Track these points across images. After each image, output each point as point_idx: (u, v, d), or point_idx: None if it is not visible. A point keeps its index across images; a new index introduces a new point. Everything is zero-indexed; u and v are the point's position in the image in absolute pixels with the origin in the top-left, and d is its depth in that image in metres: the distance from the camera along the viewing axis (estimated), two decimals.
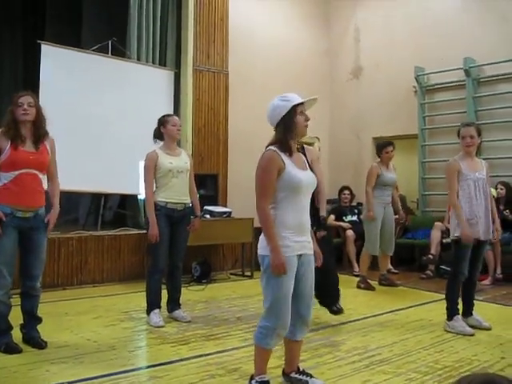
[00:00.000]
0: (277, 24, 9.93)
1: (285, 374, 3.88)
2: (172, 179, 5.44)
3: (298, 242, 3.55)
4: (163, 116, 5.69)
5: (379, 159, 7.47)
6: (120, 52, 8.42)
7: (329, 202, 9.72)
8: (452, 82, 8.97)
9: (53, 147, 4.63)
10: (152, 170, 5.42)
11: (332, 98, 10.55)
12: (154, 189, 5.47)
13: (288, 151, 3.56)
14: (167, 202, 5.43)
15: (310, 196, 3.68)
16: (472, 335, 5.10)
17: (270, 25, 9.83)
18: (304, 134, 3.67)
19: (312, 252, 3.69)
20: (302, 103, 3.58)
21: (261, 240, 3.59)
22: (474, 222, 5.17)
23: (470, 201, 5.18)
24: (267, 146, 3.59)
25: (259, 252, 3.58)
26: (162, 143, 5.57)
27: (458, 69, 8.70)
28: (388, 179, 7.38)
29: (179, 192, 5.49)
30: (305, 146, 5.30)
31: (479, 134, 5.25)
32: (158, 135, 5.57)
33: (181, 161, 5.54)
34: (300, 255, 3.58)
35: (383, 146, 7.45)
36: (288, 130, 3.55)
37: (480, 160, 5.42)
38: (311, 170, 3.82)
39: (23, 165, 4.39)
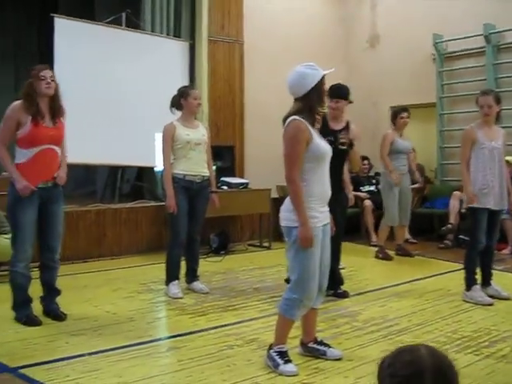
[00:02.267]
0: None
1: (303, 344, 3.88)
2: (190, 151, 5.41)
3: (323, 213, 3.59)
4: (185, 87, 5.66)
5: (394, 127, 7.41)
6: (134, 24, 8.35)
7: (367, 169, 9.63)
8: (471, 49, 8.78)
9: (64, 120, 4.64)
10: (169, 141, 5.39)
11: (348, 66, 10.37)
12: (172, 161, 5.45)
13: (313, 121, 3.54)
14: (185, 175, 5.40)
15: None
16: (491, 305, 5.07)
17: None
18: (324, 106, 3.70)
19: (329, 221, 3.70)
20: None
21: (285, 211, 3.57)
22: (486, 191, 5.11)
23: (483, 170, 5.12)
24: (289, 116, 3.55)
25: (285, 224, 3.56)
26: (179, 114, 5.53)
27: (477, 35, 8.52)
28: (402, 147, 7.32)
29: (197, 164, 5.47)
30: (350, 124, 5.39)
31: (498, 102, 5.16)
32: (177, 105, 5.51)
33: (198, 133, 5.51)
34: (323, 225, 3.60)
35: (398, 112, 7.42)
36: (320, 99, 3.56)
37: (498, 128, 5.34)
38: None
39: (43, 141, 4.40)
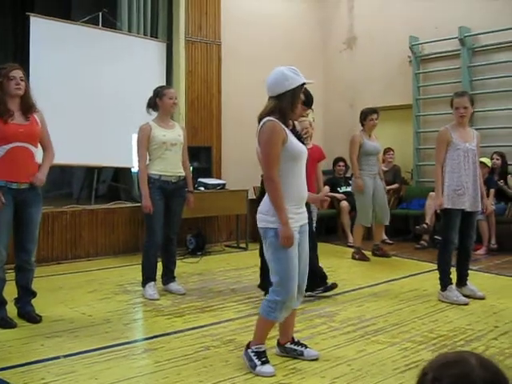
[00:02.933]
0: None
1: (280, 344, 3.88)
2: (165, 152, 5.39)
3: (299, 214, 3.57)
4: (160, 87, 5.63)
5: (362, 128, 7.42)
6: (111, 23, 8.29)
7: (323, 173, 9.70)
8: (447, 52, 8.88)
9: (42, 119, 4.58)
10: (145, 142, 5.37)
11: (325, 68, 10.45)
12: (148, 161, 5.43)
13: (285, 122, 3.53)
14: (161, 175, 5.39)
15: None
16: (466, 305, 5.12)
17: None
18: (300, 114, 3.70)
19: (307, 221, 3.70)
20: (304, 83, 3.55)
21: (262, 212, 3.56)
22: (461, 192, 5.15)
23: (458, 171, 5.16)
24: (263, 116, 3.54)
25: (262, 225, 3.55)
26: (155, 114, 5.51)
27: (452, 38, 8.61)
28: (371, 148, 7.33)
29: (173, 165, 5.45)
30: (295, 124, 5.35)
31: (472, 104, 5.22)
32: (153, 106, 5.49)
33: (174, 133, 5.49)
34: (300, 226, 3.60)
35: (368, 113, 7.38)
36: (294, 104, 3.53)
37: (472, 130, 5.39)
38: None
39: (13, 138, 4.33)
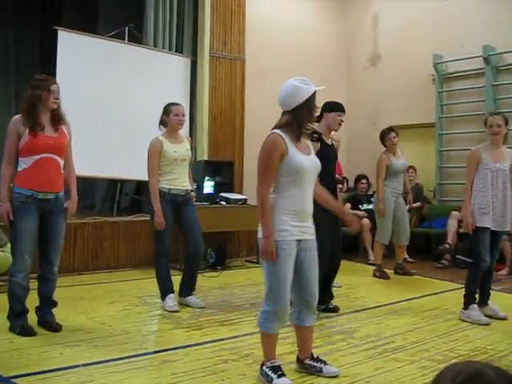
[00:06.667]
0: (293, 10, 9.83)
1: (299, 360, 3.86)
2: (175, 167, 5.45)
3: (297, 227, 3.55)
4: (168, 104, 5.65)
5: (385, 148, 7.39)
6: (137, 38, 8.40)
7: (345, 190, 9.69)
8: (471, 70, 8.84)
9: (70, 132, 4.66)
10: (157, 157, 5.39)
11: (349, 86, 10.47)
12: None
13: (297, 135, 3.54)
14: (170, 189, 5.44)
15: (314, 181, 3.66)
16: (487, 325, 5.06)
17: (286, 11, 9.72)
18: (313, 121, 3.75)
19: (313, 237, 3.68)
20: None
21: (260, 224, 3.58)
22: (486, 211, 5.11)
23: (484, 190, 5.13)
24: (275, 128, 3.56)
25: (260, 236, 3.57)
26: (164, 130, 5.56)
27: (477, 57, 8.58)
28: (399, 166, 7.29)
29: (181, 179, 5.51)
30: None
31: (506, 123, 5.20)
32: (163, 122, 5.56)
33: (184, 148, 5.54)
34: (299, 240, 3.57)
35: (385, 133, 7.35)
36: (310, 113, 3.55)
37: (507, 150, 5.33)
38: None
39: (42, 150, 4.41)
